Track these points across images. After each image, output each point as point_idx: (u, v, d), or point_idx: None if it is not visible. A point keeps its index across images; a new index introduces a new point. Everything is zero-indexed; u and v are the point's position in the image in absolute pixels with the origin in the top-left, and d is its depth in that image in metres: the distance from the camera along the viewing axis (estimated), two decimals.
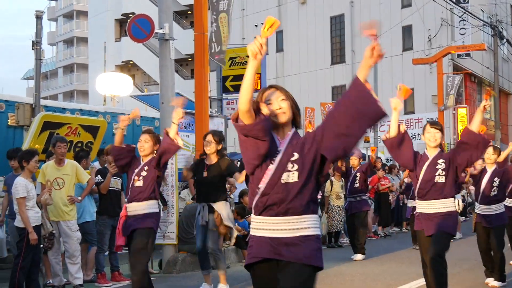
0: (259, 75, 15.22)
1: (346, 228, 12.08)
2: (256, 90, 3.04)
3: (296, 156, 3.12)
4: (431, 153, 5.88)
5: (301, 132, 3.34)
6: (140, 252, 5.95)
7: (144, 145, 6.16)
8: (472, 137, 5.67)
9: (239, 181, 7.35)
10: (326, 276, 8.09)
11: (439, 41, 27.96)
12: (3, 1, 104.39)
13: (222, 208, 7.21)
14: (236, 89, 15.33)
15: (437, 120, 23.97)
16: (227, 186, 8.19)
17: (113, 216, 8.11)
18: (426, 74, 28.36)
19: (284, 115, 3.18)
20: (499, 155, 7.88)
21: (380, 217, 14.71)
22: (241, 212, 10.21)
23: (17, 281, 6.73)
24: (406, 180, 13.47)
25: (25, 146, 9.23)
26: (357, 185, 10.93)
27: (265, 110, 3.08)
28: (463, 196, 16.43)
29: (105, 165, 8.49)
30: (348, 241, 11.94)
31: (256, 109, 3.10)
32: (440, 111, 24.60)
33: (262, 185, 3.12)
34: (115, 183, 8.31)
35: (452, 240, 5.93)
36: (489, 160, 7.68)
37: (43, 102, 11.59)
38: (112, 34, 41.97)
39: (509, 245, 8.90)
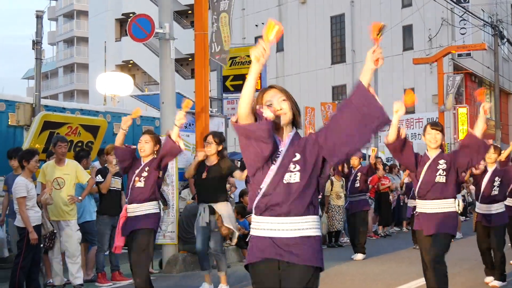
0: (259, 75, 15.21)
1: (346, 227, 12.08)
2: (256, 90, 3.03)
3: (298, 156, 3.11)
4: (432, 154, 5.88)
5: (301, 132, 3.33)
6: (142, 253, 5.94)
7: (145, 145, 6.15)
8: (474, 141, 5.70)
9: (240, 178, 7.34)
10: (326, 276, 8.09)
11: (440, 41, 27.95)
12: (3, 1, 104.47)
13: (223, 209, 7.21)
14: (237, 88, 15.35)
15: (437, 120, 24.04)
16: (227, 186, 8.19)
17: (114, 216, 8.11)
18: (426, 74, 28.37)
19: (285, 116, 3.17)
20: (499, 154, 7.88)
21: (381, 217, 14.71)
22: (241, 211, 10.21)
23: (18, 280, 6.74)
24: (406, 180, 13.47)
25: (25, 146, 9.23)
26: (357, 185, 10.94)
27: (269, 114, 3.06)
28: (463, 196, 16.43)
29: (105, 165, 8.49)
30: (348, 240, 11.94)
31: (256, 111, 3.09)
32: (440, 112, 24.61)
33: (264, 186, 3.10)
34: (116, 182, 8.32)
35: (452, 240, 5.93)
36: (490, 160, 7.68)
37: (44, 101, 11.58)
38: (113, 33, 41.97)
39: (510, 244, 8.90)
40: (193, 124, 10.17)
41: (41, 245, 7.12)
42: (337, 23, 32.21)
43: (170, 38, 9.51)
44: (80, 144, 10.35)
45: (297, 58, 32.78)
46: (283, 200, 3.07)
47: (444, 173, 5.77)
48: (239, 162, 10.04)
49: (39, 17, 11.62)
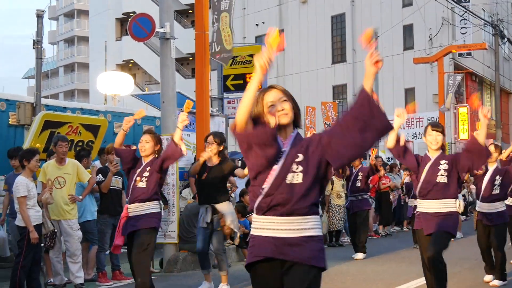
0: None
1: (347, 227, 12.08)
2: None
3: (300, 157, 3.11)
4: (433, 154, 5.90)
5: (301, 132, 3.33)
6: (143, 252, 5.94)
7: (145, 145, 6.15)
8: (477, 147, 5.74)
9: (243, 175, 7.34)
10: (327, 275, 8.08)
11: (440, 40, 27.94)
12: (3, 0, 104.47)
13: (226, 209, 7.21)
14: (237, 88, 15.35)
15: (437, 119, 24.05)
16: (228, 185, 8.19)
17: (114, 215, 8.12)
18: (427, 73, 28.34)
19: (286, 116, 3.17)
20: (500, 153, 7.89)
21: (381, 216, 14.71)
22: (242, 210, 10.21)
23: (18, 280, 6.74)
24: (406, 180, 13.47)
25: (26, 145, 9.23)
26: (358, 184, 10.94)
27: (272, 122, 3.07)
28: (464, 195, 16.43)
29: (106, 164, 8.49)
30: (349, 240, 11.94)
31: (256, 114, 3.10)
32: (440, 111, 24.61)
33: (266, 186, 3.10)
34: (116, 182, 8.32)
35: (452, 240, 5.93)
36: (491, 159, 7.68)
37: (44, 101, 11.59)
38: (113, 33, 41.95)
39: (510, 244, 8.90)
40: (193, 124, 10.17)
41: (42, 245, 7.12)
42: (338, 22, 32.19)
43: (171, 38, 9.51)
44: (80, 144, 10.35)
45: (298, 57, 32.74)
46: (285, 200, 3.07)
47: (446, 173, 5.79)
48: (239, 162, 10.04)
49: (39, 17, 11.64)
